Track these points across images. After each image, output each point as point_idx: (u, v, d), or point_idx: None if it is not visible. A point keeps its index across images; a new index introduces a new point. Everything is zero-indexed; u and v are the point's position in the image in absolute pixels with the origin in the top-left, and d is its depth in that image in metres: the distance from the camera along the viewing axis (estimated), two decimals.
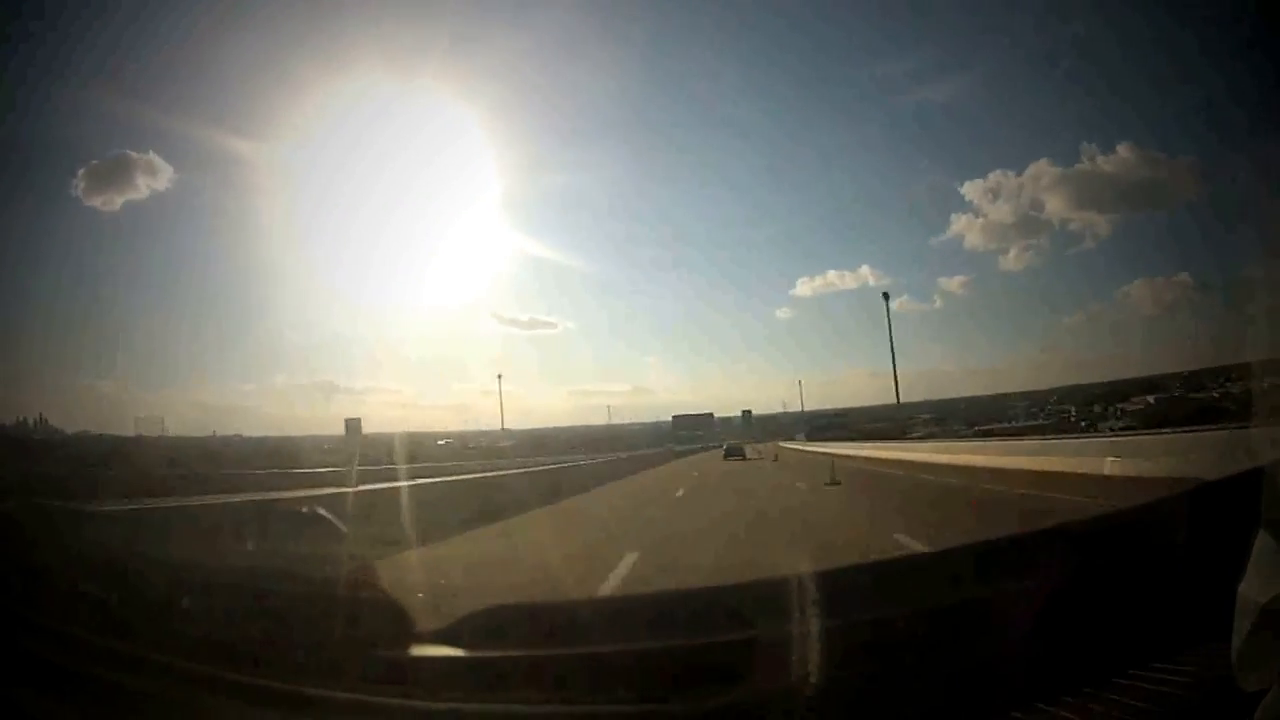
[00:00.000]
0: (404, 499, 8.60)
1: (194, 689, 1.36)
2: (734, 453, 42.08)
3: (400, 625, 1.44)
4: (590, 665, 1.29)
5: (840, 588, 1.39)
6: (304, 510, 1.47)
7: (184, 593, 1.53)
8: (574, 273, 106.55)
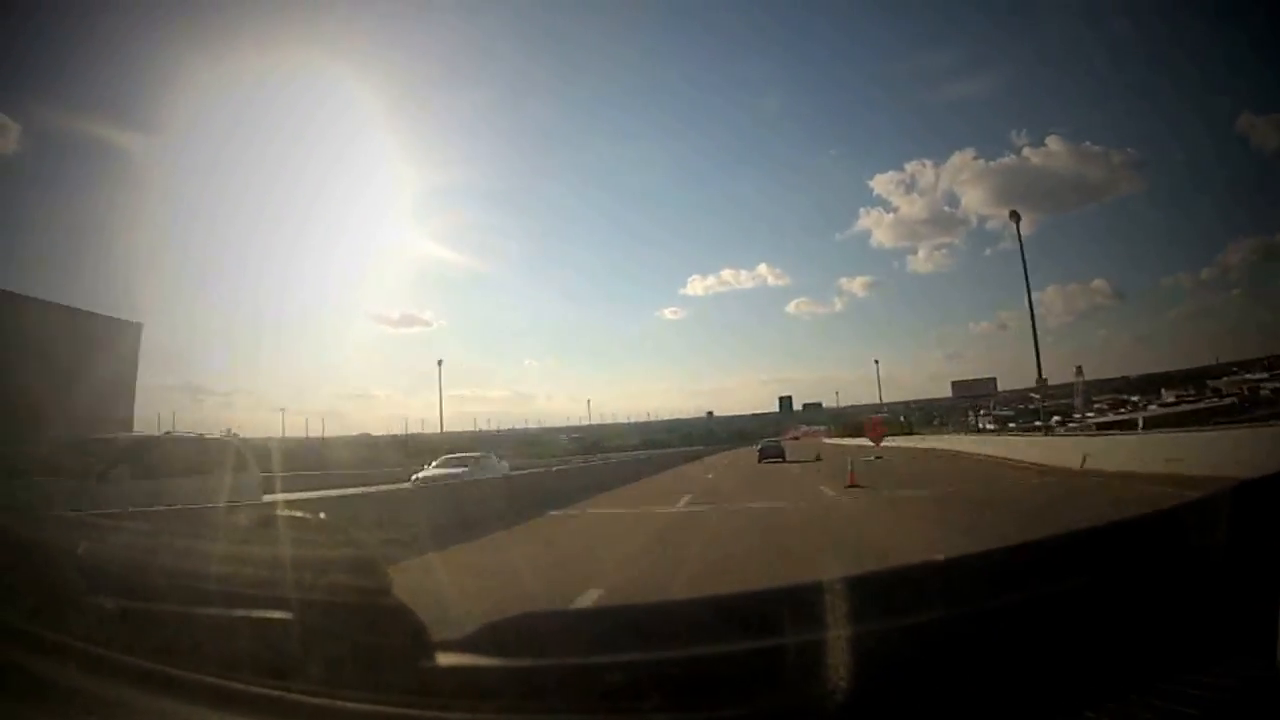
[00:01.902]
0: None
1: (216, 704, 1.34)
2: (771, 454, 35.52)
3: (424, 633, 1.41)
4: (625, 674, 1.26)
5: (874, 592, 1.38)
6: (304, 515, 1.44)
7: (194, 603, 1.49)
8: (450, 268, 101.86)
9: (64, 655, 1.57)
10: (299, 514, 1.45)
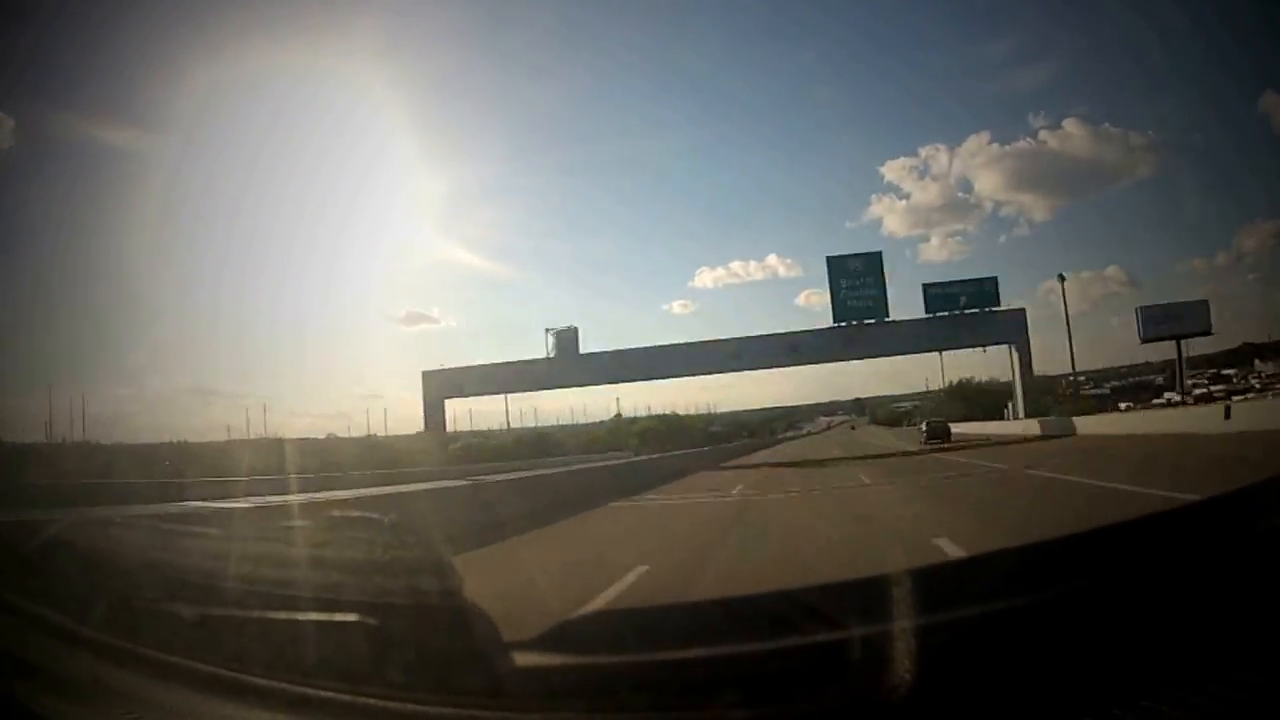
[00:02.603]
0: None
1: (291, 709, 1.32)
2: (938, 435, 35.08)
3: (496, 633, 1.38)
4: (700, 670, 1.24)
5: (923, 588, 1.33)
6: (374, 516, 1.43)
7: (268, 608, 1.48)
8: (457, 265, 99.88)
9: (139, 663, 1.58)
10: (370, 515, 1.43)
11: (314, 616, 1.38)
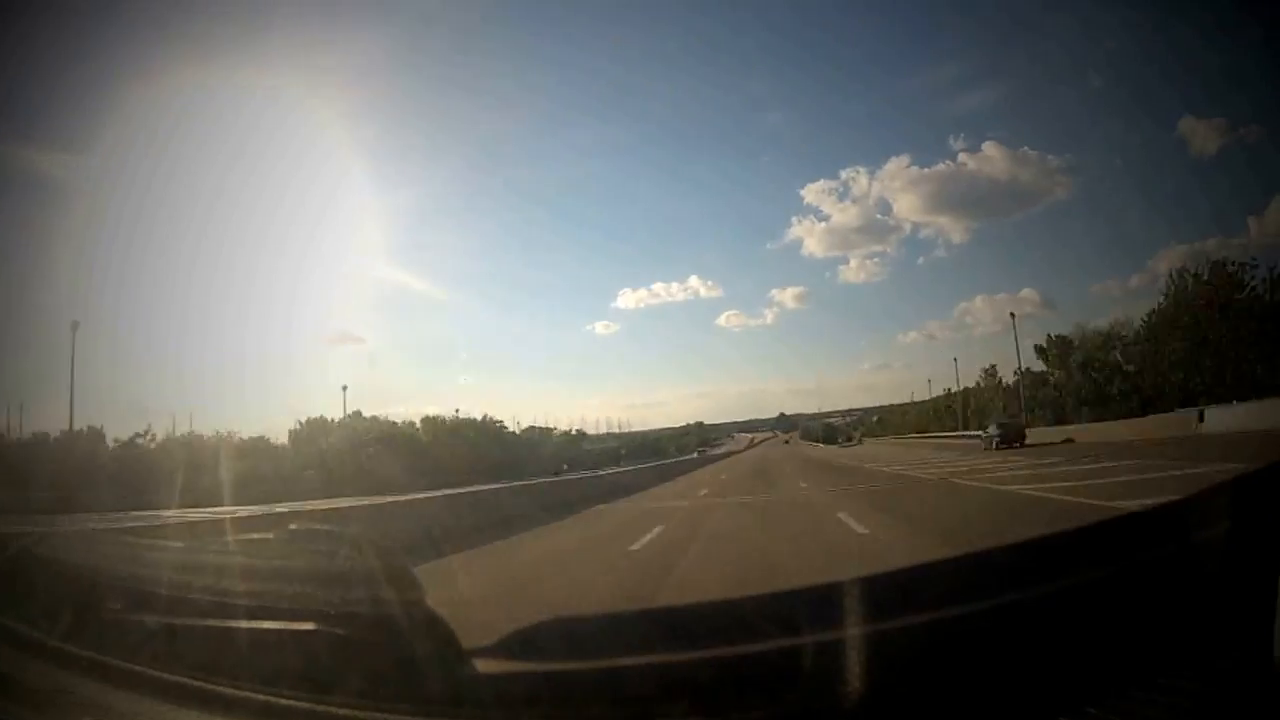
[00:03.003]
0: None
1: (256, 717, 1.35)
2: (1010, 438, 30.39)
3: (455, 641, 1.42)
4: (657, 677, 1.27)
5: (888, 591, 1.39)
6: (331, 528, 1.46)
7: (231, 618, 1.51)
8: (387, 286, 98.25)
9: (104, 672, 1.60)
10: (330, 528, 1.46)
11: (277, 626, 1.42)
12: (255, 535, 1.58)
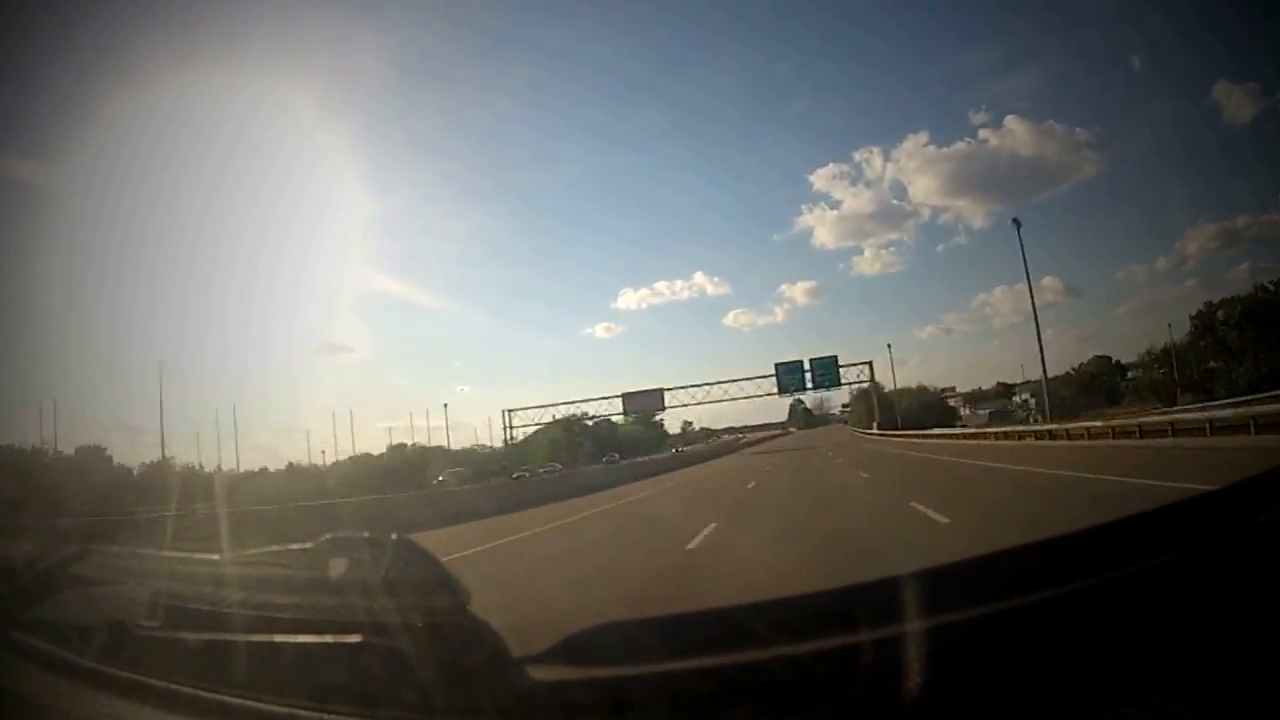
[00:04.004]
0: None
1: None
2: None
3: (504, 649, 1.36)
4: (717, 680, 1.23)
5: (933, 588, 1.34)
6: (375, 536, 1.41)
7: (273, 632, 1.47)
8: (377, 295, 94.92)
9: (142, 694, 1.56)
10: (371, 535, 1.41)
11: (320, 639, 1.36)
12: (294, 545, 1.51)
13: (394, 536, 1.39)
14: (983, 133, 79.30)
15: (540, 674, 1.31)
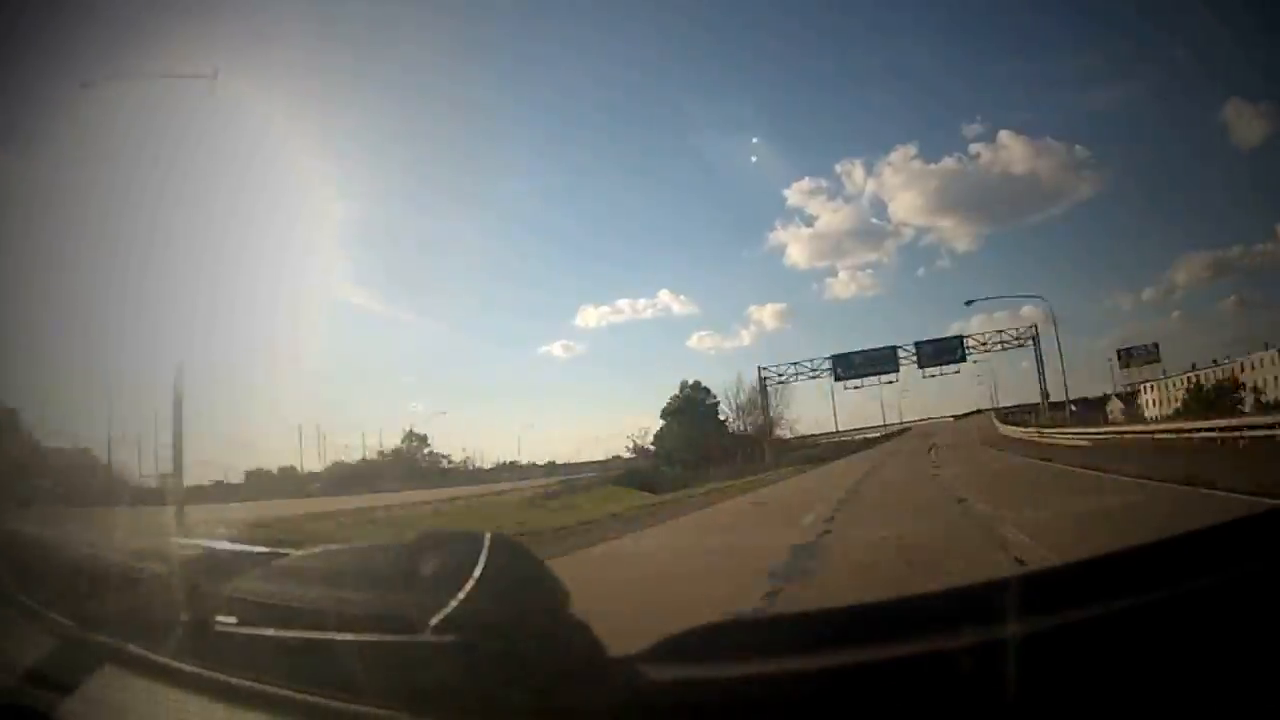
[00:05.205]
0: None
1: None
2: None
3: (603, 650, 1.29)
4: (830, 680, 1.18)
5: (1041, 590, 1.31)
6: (469, 531, 1.38)
7: (360, 631, 1.42)
8: (327, 305, 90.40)
9: (228, 693, 1.52)
10: (464, 531, 1.35)
11: (411, 639, 1.31)
12: (382, 541, 1.46)
13: (489, 533, 1.33)
14: (974, 147, 73.99)
15: (640, 676, 1.25)
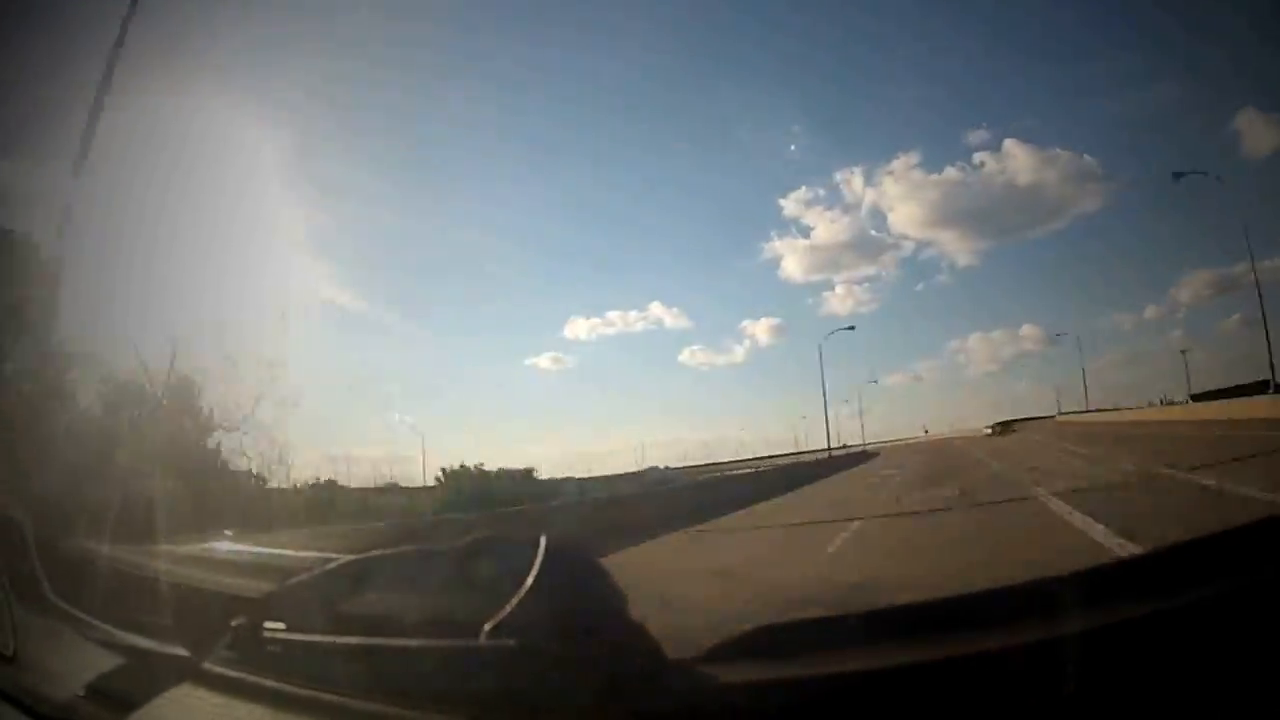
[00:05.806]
0: None
1: None
2: None
3: (661, 652, 1.27)
4: (891, 679, 1.16)
5: (1096, 588, 1.27)
6: (502, 535, 1.37)
7: (418, 637, 1.40)
8: (310, 313, 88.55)
9: (279, 700, 1.52)
10: (514, 535, 1.33)
11: (468, 644, 1.29)
12: (438, 546, 1.45)
13: (544, 536, 1.31)
14: (978, 155, 70.76)
15: (695, 678, 1.23)
